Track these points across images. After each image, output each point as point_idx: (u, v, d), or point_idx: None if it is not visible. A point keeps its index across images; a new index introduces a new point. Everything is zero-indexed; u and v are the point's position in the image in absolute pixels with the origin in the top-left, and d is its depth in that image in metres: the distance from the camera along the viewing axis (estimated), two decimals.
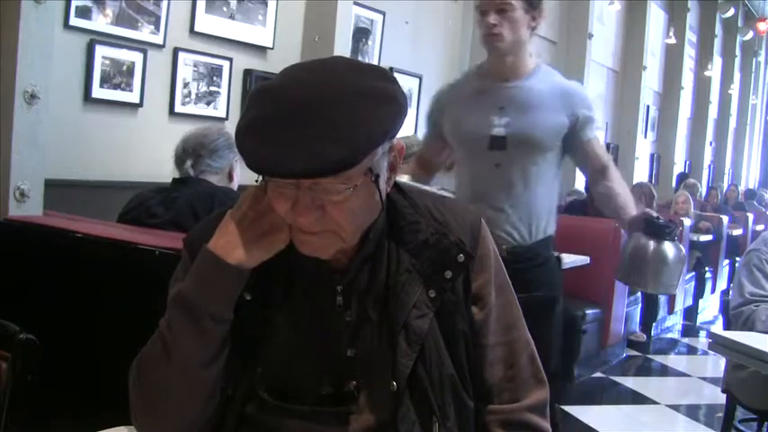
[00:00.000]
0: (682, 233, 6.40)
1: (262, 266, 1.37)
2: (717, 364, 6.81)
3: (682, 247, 3.03)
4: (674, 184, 13.07)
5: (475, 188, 3.07)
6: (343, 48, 5.43)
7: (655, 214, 2.97)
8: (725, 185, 14.77)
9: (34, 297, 2.77)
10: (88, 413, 1.56)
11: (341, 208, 1.30)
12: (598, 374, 6.43)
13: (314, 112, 1.24)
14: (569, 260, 5.65)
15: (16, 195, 3.12)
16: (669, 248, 2.96)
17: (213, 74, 4.97)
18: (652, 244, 2.94)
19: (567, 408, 5.23)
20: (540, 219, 3.05)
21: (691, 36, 14.34)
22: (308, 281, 1.43)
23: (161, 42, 4.62)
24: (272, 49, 5.31)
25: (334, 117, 1.23)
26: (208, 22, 4.87)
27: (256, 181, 1.34)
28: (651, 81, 12.59)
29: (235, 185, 3.96)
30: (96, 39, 4.24)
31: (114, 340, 1.80)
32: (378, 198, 1.37)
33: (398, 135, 1.37)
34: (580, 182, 8.69)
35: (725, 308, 4.22)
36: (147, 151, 4.58)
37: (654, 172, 13.13)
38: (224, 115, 5.03)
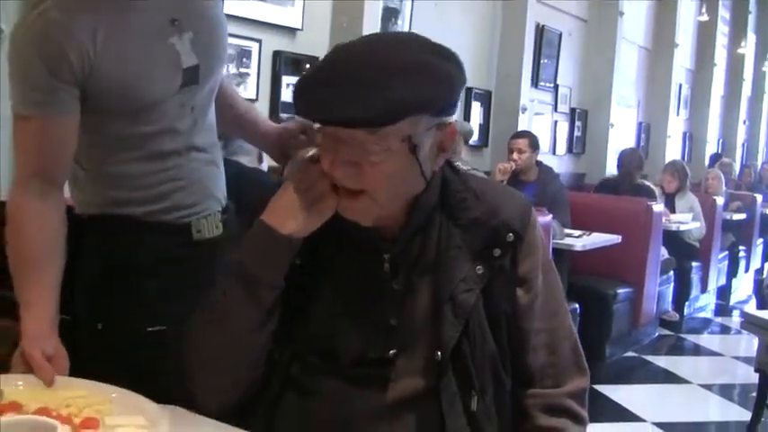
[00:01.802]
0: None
1: (312, 233, 1.44)
2: (750, 344, 6.75)
3: None
4: (706, 162, 12.95)
5: None
6: (372, 27, 5.42)
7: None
8: (758, 164, 14.60)
9: None
10: None
11: (376, 169, 1.35)
12: (630, 354, 6.41)
13: (363, 70, 1.32)
14: (601, 239, 5.64)
15: None
16: None
17: (243, 56, 4.97)
18: None
19: (598, 387, 5.22)
20: None
21: (724, 13, 14.15)
22: (357, 248, 1.48)
23: None
24: (301, 30, 5.31)
25: (379, 77, 1.30)
26: (237, 4, 4.87)
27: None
28: (683, 59, 12.45)
29: (264, 166, 3.97)
30: None
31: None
32: (418, 171, 1.40)
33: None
34: (612, 163, 8.66)
35: (758, 287, 4.19)
36: None
37: (686, 150, 13.01)
38: (254, 96, 5.03)
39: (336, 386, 1.46)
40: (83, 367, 1.58)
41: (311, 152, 1.42)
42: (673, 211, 7.56)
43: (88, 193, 1.91)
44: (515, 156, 6.01)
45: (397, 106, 1.31)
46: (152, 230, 1.89)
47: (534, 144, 6.11)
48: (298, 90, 1.37)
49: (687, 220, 7.43)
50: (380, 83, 1.30)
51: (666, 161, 9.06)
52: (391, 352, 1.46)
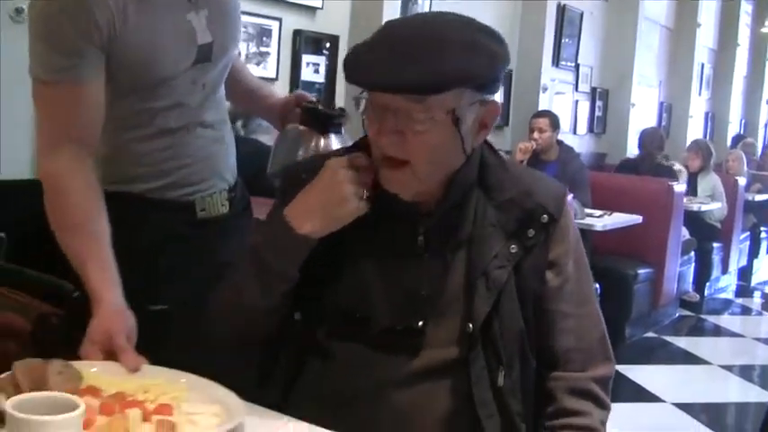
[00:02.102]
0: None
1: None
2: None
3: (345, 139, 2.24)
4: (728, 143, 12.86)
5: None
6: (392, 7, 5.41)
7: (313, 99, 2.24)
8: None
9: None
10: None
11: (419, 139, 1.40)
12: (650, 334, 6.40)
13: (414, 41, 1.38)
14: (622, 219, 5.62)
15: None
16: (335, 143, 2.21)
17: (263, 34, 4.97)
18: (313, 138, 2.17)
19: (618, 367, 5.16)
20: None
21: None
22: (393, 220, 1.52)
23: None
24: (320, 9, 5.30)
25: (429, 48, 1.36)
26: None
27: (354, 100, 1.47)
28: (706, 38, 12.34)
29: None
30: None
31: None
32: (459, 146, 1.44)
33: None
34: (633, 143, 8.61)
35: None
36: None
37: (708, 131, 12.92)
38: (274, 76, 5.03)
39: (363, 352, 1.49)
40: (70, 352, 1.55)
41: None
42: (695, 190, 7.53)
43: None
44: (536, 135, 6.00)
45: (445, 77, 1.36)
46: (156, 208, 1.88)
47: (555, 123, 6.09)
48: (350, 57, 1.42)
49: (708, 201, 7.40)
50: (430, 54, 1.36)
51: (688, 142, 9.00)
52: (420, 323, 1.48)
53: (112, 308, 1.60)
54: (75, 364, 1.41)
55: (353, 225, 1.49)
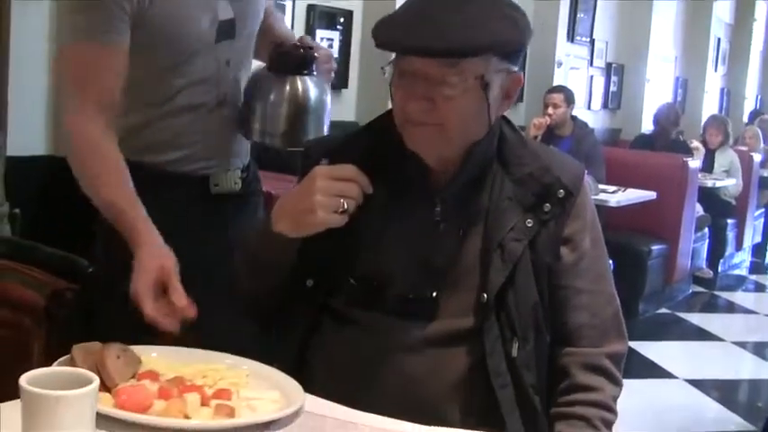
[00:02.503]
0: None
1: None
2: None
3: (327, 87, 2.09)
4: (745, 119, 12.78)
5: None
6: None
7: (304, 42, 2.06)
8: None
9: None
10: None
11: (448, 104, 1.43)
12: (663, 310, 6.39)
13: (445, 8, 1.42)
14: (635, 195, 5.60)
15: None
16: (309, 86, 2.01)
17: (277, 9, 4.95)
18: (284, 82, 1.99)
19: (631, 343, 5.15)
20: None
21: None
22: (412, 190, 1.55)
23: None
24: None
25: (459, 14, 1.41)
26: None
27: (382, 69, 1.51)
28: (722, 12, 12.23)
29: None
30: None
31: None
32: (485, 113, 1.48)
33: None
34: (648, 119, 8.56)
35: None
36: None
37: (724, 107, 12.84)
38: None
39: (378, 319, 1.52)
40: (98, 324, 1.56)
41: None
42: (712, 166, 7.49)
43: None
44: (550, 110, 5.98)
45: (476, 41, 1.41)
46: (171, 180, 1.89)
47: (569, 99, 6.07)
48: (381, 24, 1.46)
49: (723, 177, 7.37)
50: (461, 20, 1.40)
51: (704, 118, 8.96)
52: (434, 293, 1.51)
53: (158, 248, 1.65)
54: (135, 348, 1.42)
55: (372, 196, 1.51)
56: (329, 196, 1.44)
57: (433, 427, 1.34)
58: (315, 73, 1.99)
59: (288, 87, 1.97)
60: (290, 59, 1.98)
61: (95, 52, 1.73)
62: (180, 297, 1.56)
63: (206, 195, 1.95)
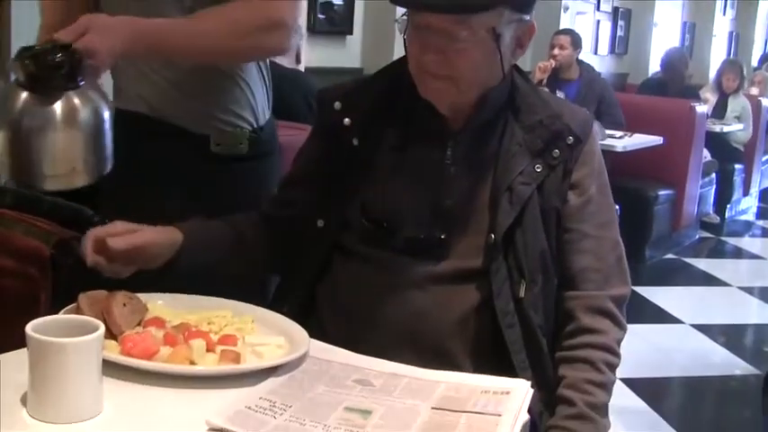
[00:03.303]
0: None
1: (375, 113, 1.59)
2: None
3: (94, 97, 1.51)
4: (754, 64, 12.67)
5: None
6: None
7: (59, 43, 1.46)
8: None
9: None
10: None
11: (462, 56, 1.47)
12: (670, 256, 6.40)
13: None
14: (642, 140, 5.58)
15: None
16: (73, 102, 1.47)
17: None
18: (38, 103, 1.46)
19: (638, 289, 5.22)
20: None
21: None
22: (424, 134, 1.59)
23: None
24: None
25: None
26: None
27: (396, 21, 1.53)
28: None
29: (302, 67, 3.94)
30: None
31: None
32: (498, 63, 1.51)
33: None
34: (655, 63, 8.50)
35: None
36: None
37: (732, 51, 12.73)
38: None
39: (387, 257, 1.56)
40: (91, 278, 1.53)
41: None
42: (725, 111, 7.44)
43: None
44: (556, 51, 5.96)
45: None
46: (167, 134, 1.84)
47: (576, 42, 6.03)
48: None
49: (732, 123, 7.33)
50: None
51: (712, 62, 8.88)
52: (443, 235, 1.54)
53: None
54: (140, 296, 1.42)
55: (384, 139, 1.59)
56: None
57: (436, 371, 1.34)
58: (82, 83, 1.48)
59: (50, 112, 1.46)
60: (44, 72, 1.44)
61: None
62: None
63: (207, 154, 1.87)
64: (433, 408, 1.21)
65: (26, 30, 2.77)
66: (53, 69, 1.43)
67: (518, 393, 1.25)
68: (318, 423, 1.13)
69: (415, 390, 1.27)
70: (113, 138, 1.56)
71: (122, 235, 1.48)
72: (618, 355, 1.53)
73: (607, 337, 1.52)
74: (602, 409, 1.47)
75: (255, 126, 1.92)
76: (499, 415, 1.18)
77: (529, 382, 1.30)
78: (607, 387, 1.49)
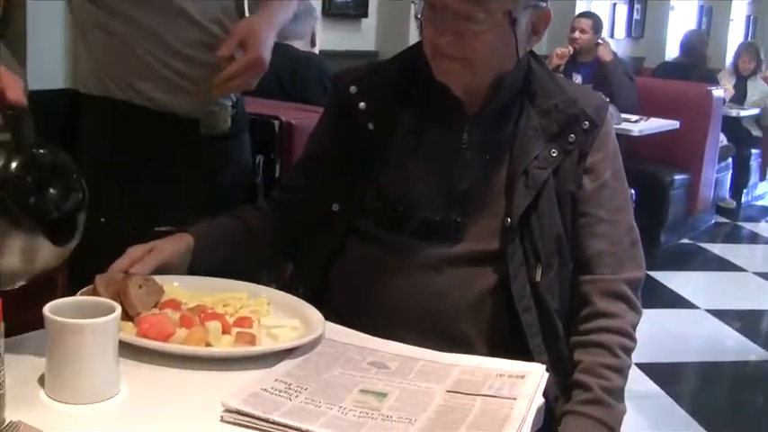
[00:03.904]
0: None
1: (391, 98, 1.60)
2: None
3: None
4: None
5: None
6: None
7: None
8: None
9: None
10: None
11: (477, 39, 1.47)
12: (685, 240, 6.38)
13: None
14: (658, 124, 5.56)
15: None
16: None
17: None
18: None
19: (652, 273, 5.20)
20: None
21: None
22: (440, 117, 1.60)
23: None
24: None
25: None
26: None
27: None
28: None
29: (317, 50, 3.94)
30: None
31: None
32: (513, 47, 1.52)
33: None
34: (672, 47, 8.45)
35: None
36: None
37: (749, 35, 12.63)
38: None
39: (402, 240, 1.56)
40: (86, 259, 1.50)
41: None
42: (744, 95, 7.39)
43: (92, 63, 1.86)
44: (576, 35, 5.94)
45: None
46: (157, 121, 1.83)
47: (597, 27, 6.02)
48: None
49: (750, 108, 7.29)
50: None
51: (729, 46, 8.82)
52: (459, 218, 1.55)
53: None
54: (157, 278, 1.43)
55: (400, 123, 1.60)
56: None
57: (451, 354, 1.34)
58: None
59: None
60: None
61: None
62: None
63: (195, 138, 1.88)
64: (447, 391, 1.21)
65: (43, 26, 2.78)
66: None
67: (533, 377, 1.25)
68: (334, 405, 1.14)
69: (430, 373, 1.27)
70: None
71: (142, 259, 1.49)
72: (633, 339, 1.53)
73: (622, 322, 1.52)
74: (619, 394, 1.47)
75: (234, 101, 1.95)
76: (514, 398, 1.18)
77: (544, 366, 1.30)
78: (623, 371, 1.49)
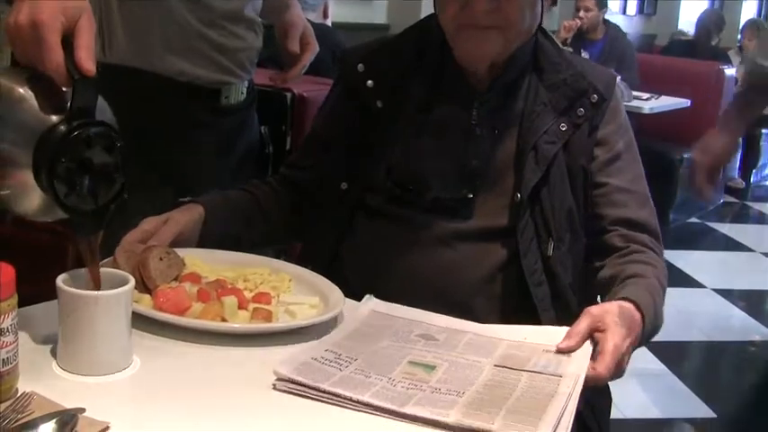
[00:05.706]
0: None
1: (400, 75, 1.59)
2: None
3: None
4: None
5: None
6: None
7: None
8: None
9: None
10: None
11: (513, 4, 1.48)
12: (694, 220, 6.38)
13: None
14: (669, 102, 5.54)
15: None
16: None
17: None
18: None
19: None
20: None
21: None
22: (450, 93, 1.59)
23: None
24: None
25: None
26: None
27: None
28: None
29: (329, 22, 3.92)
30: None
31: None
32: (539, 12, 1.54)
33: None
34: (686, 19, 8.40)
35: None
36: None
37: (763, 12, 12.55)
38: None
39: (414, 216, 1.56)
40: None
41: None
42: None
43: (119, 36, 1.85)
44: (581, 13, 5.91)
45: None
46: (181, 92, 1.85)
47: (602, 2, 5.99)
48: None
49: None
50: None
51: (742, 23, 8.76)
52: (470, 195, 1.55)
53: None
54: (179, 251, 1.42)
55: (409, 100, 1.58)
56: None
57: (497, 326, 1.35)
58: None
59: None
60: None
61: None
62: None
63: (216, 107, 1.92)
64: (495, 365, 1.21)
65: None
66: None
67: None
68: (383, 376, 1.14)
69: (477, 346, 1.27)
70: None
71: (156, 231, 1.48)
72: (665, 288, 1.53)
73: (657, 264, 1.53)
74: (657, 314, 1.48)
75: (251, 73, 2.00)
76: (560, 376, 1.17)
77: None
78: (663, 294, 1.51)
